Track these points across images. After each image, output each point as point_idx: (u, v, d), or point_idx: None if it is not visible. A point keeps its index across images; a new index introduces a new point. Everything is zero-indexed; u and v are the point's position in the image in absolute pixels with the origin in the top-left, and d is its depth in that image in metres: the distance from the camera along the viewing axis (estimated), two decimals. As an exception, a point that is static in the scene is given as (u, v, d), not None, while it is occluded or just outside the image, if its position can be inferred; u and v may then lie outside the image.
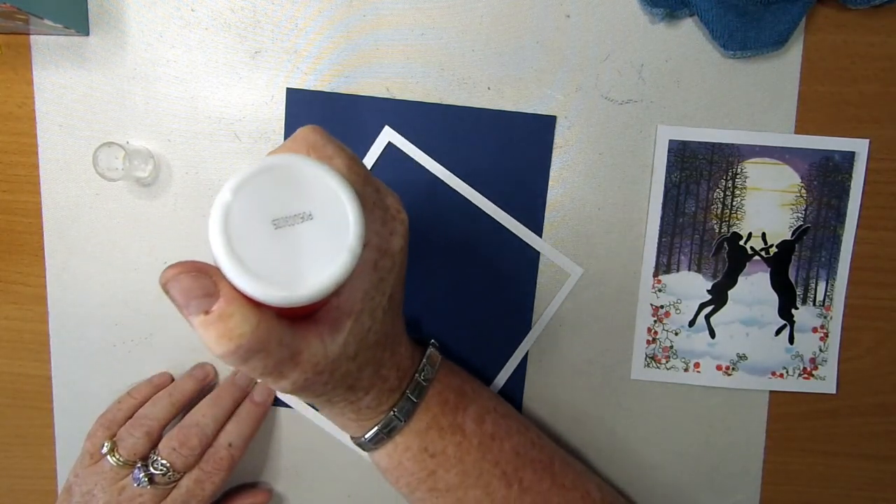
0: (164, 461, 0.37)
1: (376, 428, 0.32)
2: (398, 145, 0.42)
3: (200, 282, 0.22)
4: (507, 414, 0.36)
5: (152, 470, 0.37)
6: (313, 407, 0.40)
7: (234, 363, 0.23)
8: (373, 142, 0.42)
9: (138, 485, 0.37)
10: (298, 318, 0.25)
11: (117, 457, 0.38)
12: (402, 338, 0.32)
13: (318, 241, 0.21)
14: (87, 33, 0.41)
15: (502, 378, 0.44)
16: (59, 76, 0.41)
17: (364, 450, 0.34)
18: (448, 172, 0.42)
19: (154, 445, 0.38)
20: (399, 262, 0.27)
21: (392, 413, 0.31)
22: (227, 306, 0.22)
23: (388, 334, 0.29)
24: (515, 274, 0.43)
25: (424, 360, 0.33)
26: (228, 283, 0.21)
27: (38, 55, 0.41)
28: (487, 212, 0.42)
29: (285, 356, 0.24)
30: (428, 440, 0.32)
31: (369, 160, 0.42)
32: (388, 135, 0.42)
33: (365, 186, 0.25)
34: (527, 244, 0.43)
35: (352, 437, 0.34)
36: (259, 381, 0.25)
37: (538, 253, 0.43)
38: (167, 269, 0.22)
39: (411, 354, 0.34)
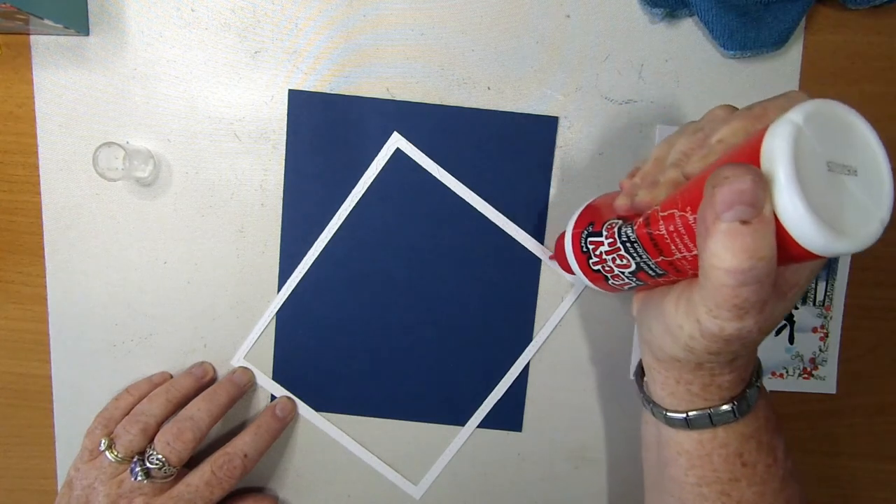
0: (159, 455, 0.38)
1: (708, 410, 0.30)
2: (406, 151, 0.42)
3: (758, 191, 0.21)
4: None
5: (148, 465, 0.38)
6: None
7: (733, 280, 0.22)
8: (377, 144, 0.42)
9: (135, 479, 0.37)
10: None
11: (115, 453, 0.38)
12: None
13: (854, 200, 0.21)
14: (87, 33, 0.41)
15: (504, 385, 0.44)
16: (59, 76, 0.41)
17: (671, 425, 0.32)
18: (454, 179, 0.42)
19: (150, 441, 0.39)
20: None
21: (733, 404, 0.30)
22: (763, 225, 0.21)
23: None
24: (518, 283, 0.43)
25: (755, 370, 0.32)
26: (770, 200, 0.21)
27: (38, 55, 0.41)
28: (492, 219, 0.42)
29: (765, 298, 0.23)
30: (746, 448, 0.31)
31: (377, 165, 0.42)
32: (396, 141, 0.42)
33: None
34: (529, 252, 0.43)
35: (666, 410, 0.32)
36: (712, 312, 0.24)
37: (540, 261, 0.43)
38: (730, 167, 0.21)
39: None
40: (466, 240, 0.43)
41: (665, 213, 0.26)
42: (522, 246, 0.43)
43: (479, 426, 0.44)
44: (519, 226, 0.43)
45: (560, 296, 0.43)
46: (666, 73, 0.41)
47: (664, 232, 0.26)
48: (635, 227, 0.28)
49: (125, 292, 0.43)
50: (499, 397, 0.44)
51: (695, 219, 0.24)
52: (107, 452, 0.38)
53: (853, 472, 0.45)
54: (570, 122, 0.42)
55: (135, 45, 0.41)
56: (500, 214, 0.42)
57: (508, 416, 0.44)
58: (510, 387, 0.44)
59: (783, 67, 0.41)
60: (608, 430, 0.45)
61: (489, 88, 0.42)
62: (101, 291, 0.43)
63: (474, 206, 0.42)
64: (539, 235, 0.43)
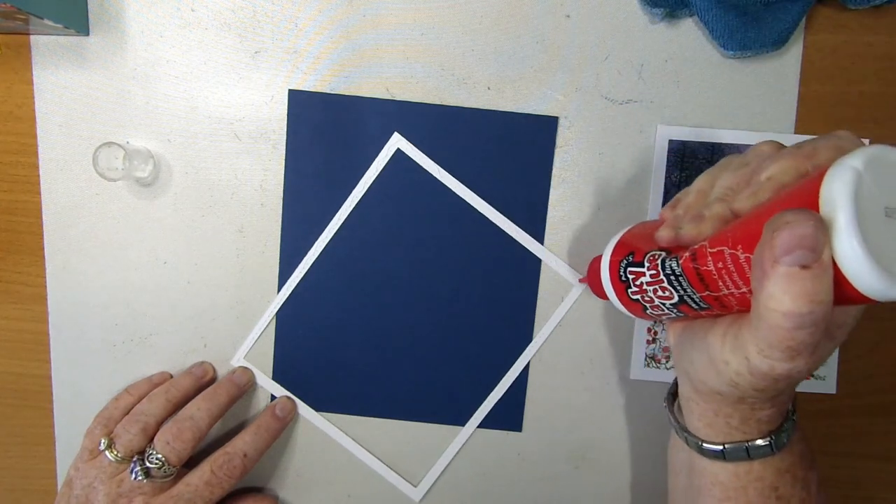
0: (159, 455, 0.38)
1: (745, 444, 0.30)
2: (406, 152, 0.42)
3: (819, 236, 0.21)
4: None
5: (148, 464, 0.38)
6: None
7: (790, 323, 0.22)
8: (377, 145, 0.42)
9: (135, 478, 0.38)
10: None
11: (115, 453, 0.38)
12: None
13: None
14: (87, 33, 0.41)
15: (504, 385, 0.44)
16: (59, 76, 0.41)
17: (706, 455, 0.31)
18: (454, 179, 0.42)
19: (150, 440, 0.39)
20: None
21: (770, 438, 0.30)
22: (822, 270, 0.21)
23: None
24: (518, 283, 0.43)
25: (791, 406, 0.32)
26: (829, 245, 0.21)
27: (38, 55, 0.41)
28: (492, 220, 0.42)
29: (818, 340, 0.23)
30: (781, 482, 0.31)
31: (377, 165, 0.42)
32: (396, 141, 0.42)
33: None
34: (529, 252, 0.43)
35: (701, 441, 0.31)
36: (764, 352, 0.24)
37: (540, 261, 0.43)
38: (791, 212, 0.21)
39: None
40: (466, 240, 0.43)
41: (714, 250, 0.26)
42: (522, 246, 0.43)
43: (479, 426, 0.44)
44: (519, 226, 0.43)
45: (560, 296, 0.43)
46: (666, 73, 0.41)
47: (712, 268, 0.26)
48: (681, 261, 0.28)
49: (125, 292, 0.43)
50: (499, 397, 0.44)
51: (746, 257, 0.24)
52: (106, 452, 0.38)
53: (853, 472, 0.45)
54: (570, 122, 0.42)
55: (135, 45, 0.41)
56: (500, 214, 0.42)
57: (508, 416, 0.44)
58: (510, 387, 0.44)
59: (783, 67, 0.41)
60: (608, 431, 0.45)
61: (489, 88, 0.42)
62: (101, 291, 0.43)
63: (474, 206, 0.42)
64: (539, 235, 0.43)
